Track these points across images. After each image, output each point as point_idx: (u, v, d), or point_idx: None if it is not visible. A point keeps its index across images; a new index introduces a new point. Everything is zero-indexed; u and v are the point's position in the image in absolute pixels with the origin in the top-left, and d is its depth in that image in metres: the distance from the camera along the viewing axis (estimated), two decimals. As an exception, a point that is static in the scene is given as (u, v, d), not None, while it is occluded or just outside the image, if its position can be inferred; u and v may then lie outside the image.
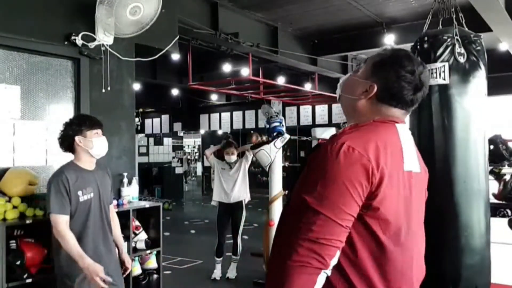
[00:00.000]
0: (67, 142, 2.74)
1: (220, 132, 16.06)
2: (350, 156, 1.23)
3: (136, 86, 7.33)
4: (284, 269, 1.20)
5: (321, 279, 1.21)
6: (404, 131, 1.39)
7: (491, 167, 4.44)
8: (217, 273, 5.57)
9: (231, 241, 5.68)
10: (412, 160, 1.38)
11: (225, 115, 15.61)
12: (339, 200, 1.21)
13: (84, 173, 2.73)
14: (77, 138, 2.70)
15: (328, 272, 1.22)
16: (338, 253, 1.22)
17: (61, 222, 2.59)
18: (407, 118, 1.46)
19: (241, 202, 5.60)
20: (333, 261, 1.21)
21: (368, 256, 1.27)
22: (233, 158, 5.72)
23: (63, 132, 2.75)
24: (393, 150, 1.31)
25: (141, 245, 3.81)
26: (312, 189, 1.23)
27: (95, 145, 2.72)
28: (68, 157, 3.80)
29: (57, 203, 2.59)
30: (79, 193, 2.65)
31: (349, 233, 1.25)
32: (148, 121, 17.53)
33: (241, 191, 5.60)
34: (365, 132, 1.33)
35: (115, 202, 3.73)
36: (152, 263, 4.04)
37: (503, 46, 7.10)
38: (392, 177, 1.27)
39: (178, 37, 4.52)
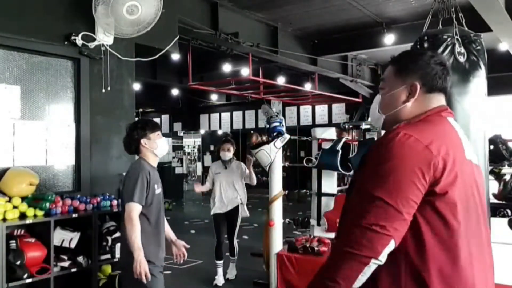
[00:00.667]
0: (134, 145, 2.96)
1: (220, 132, 16.06)
2: (407, 143, 1.24)
3: (136, 86, 7.34)
4: (337, 254, 1.24)
5: (369, 268, 1.20)
6: (455, 123, 1.42)
7: (491, 167, 4.45)
8: (219, 280, 5.42)
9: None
10: (471, 151, 1.40)
11: (225, 115, 15.61)
12: (397, 186, 1.21)
13: (154, 170, 2.97)
14: (142, 141, 2.93)
15: (380, 261, 1.20)
16: (392, 243, 1.20)
17: (138, 211, 2.81)
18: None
19: (237, 206, 5.42)
20: (386, 251, 1.19)
21: (436, 243, 1.24)
22: (228, 155, 5.51)
23: (129, 137, 2.97)
24: (452, 137, 1.34)
25: (141, 245, 3.81)
26: (371, 179, 1.25)
27: (158, 145, 2.96)
28: (65, 158, 3.82)
29: (139, 193, 2.80)
30: (156, 186, 2.91)
31: (416, 222, 1.23)
32: (148, 121, 17.49)
33: (235, 194, 5.40)
34: (420, 124, 1.36)
35: (114, 202, 3.74)
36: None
37: (503, 46, 7.09)
38: (455, 162, 1.27)
39: (178, 37, 4.53)
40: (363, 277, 1.21)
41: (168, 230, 3.18)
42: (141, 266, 2.69)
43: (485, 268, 1.37)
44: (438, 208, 1.24)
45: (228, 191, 5.40)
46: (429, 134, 1.29)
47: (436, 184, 1.23)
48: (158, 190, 2.95)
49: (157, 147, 2.96)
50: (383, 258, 1.20)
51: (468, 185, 1.31)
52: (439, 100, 1.43)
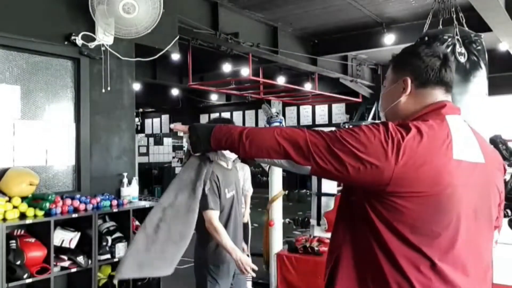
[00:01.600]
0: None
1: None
2: (382, 126, 1.24)
3: (136, 86, 7.33)
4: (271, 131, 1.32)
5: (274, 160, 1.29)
6: (456, 121, 1.33)
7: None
8: None
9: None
10: (467, 150, 1.29)
11: (225, 115, 15.60)
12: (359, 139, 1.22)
13: (226, 172, 2.93)
14: None
15: (281, 162, 1.29)
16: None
17: (216, 218, 2.83)
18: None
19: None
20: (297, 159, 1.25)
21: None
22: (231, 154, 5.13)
23: None
24: (435, 136, 1.25)
25: (141, 245, 3.81)
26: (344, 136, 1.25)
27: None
28: (65, 158, 3.82)
29: (212, 200, 2.81)
30: (226, 190, 2.87)
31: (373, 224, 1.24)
32: (148, 121, 17.54)
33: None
34: (418, 119, 1.32)
35: (114, 202, 3.73)
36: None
37: (503, 46, 7.10)
38: (425, 163, 1.20)
39: (178, 37, 4.52)
40: (267, 162, 1.31)
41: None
42: (244, 262, 2.77)
43: (480, 269, 1.32)
44: (390, 220, 1.23)
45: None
46: (407, 127, 1.26)
47: (389, 179, 1.20)
48: (228, 194, 2.91)
49: None
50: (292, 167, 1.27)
51: (451, 185, 1.23)
52: (435, 94, 1.37)
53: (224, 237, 2.80)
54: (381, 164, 1.19)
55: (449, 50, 2.86)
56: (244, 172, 4.88)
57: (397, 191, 1.21)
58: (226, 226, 2.90)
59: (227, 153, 2.78)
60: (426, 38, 2.95)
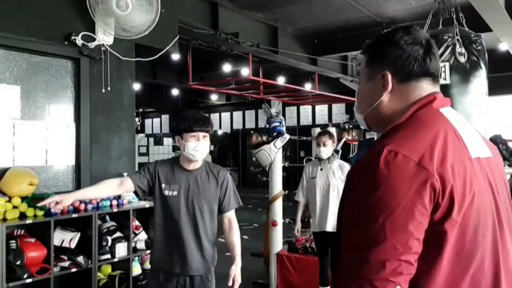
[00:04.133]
0: (173, 138, 2.76)
1: (220, 132, 16.06)
2: (394, 164, 0.99)
3: (136, 86, 7.33)
4: None
5: None
6: (452, 114, 1.15)
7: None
8: None
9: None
10: (477, 145, 1.13)
11: (225, 115, 15.62)
12: (392, 228, 0.96)
13: (179, 171, 2.65)
14: (176, 138, 2.67)
15: None
16: None
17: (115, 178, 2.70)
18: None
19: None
20: None
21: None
22: (325, 151, 4.13)
23: (171, 128, 2.75)
24: (449, 137, 1.06)
25: (141, 245, 3.80)
26: (360, 220, 1.01)
27: (187, 148, 2.59)
28: (65, 158, 3.82)
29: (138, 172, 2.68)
30: (163, 186, 2.63)
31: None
32: (148, 121, 17.54)
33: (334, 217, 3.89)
34: (406, 129, 1.09)
35: (114, 202, 3.73)
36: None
37: (503, 46, 7.10)
38: (455, 172, 1.01)
39: (178, 37, 4.53)
40: None
41: (230, 250, 2.80)
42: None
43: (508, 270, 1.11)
44: (437, 234, 1.01)
45: (322, 201, 4.13)
46: (419, 143, 1.03)
47: (437, 209, 0.99)
48: (166, 192, 2.62)
49: (185, 150, 2.60)
50: None
51: (480, 192, 1.06)
52: (422, 87, 1.15)
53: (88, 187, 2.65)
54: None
55: (449, 50, 2.85)
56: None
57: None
58: (159, 231, 2.65)
59: (185, 155, 2.60)
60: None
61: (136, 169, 4.53)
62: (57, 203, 2.41)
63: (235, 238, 2.77)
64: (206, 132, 2.62)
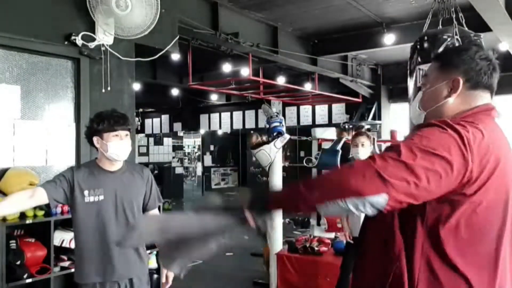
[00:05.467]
0: (88, 140, 2.54)
1: (220, 132, 16.06)
2: (454, 129, 1.19)
3: (136, 86, 7.33)
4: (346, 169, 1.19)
5: (340, 206, 1.11)
6: (503, 125, 1.38)
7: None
8: None
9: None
10: None
11: (225, 115, 15.61)
12: (421, 158, 1.13)
13: (101, 174, 2.51)
14: (95, 139, 2.49)
15: (351, 208, 1.10)
16: (383, 197, 1.09)
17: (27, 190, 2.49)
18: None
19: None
20: (371, 200, 1.09)
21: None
22: (363, 152, 3.83)
23: (86, 129, 2.56)
24: (501, 140, 1.28)
25: (141, 245, 3.81)
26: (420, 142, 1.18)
27: (109, 149, 2.45)
28: (65, 158, 3.82)
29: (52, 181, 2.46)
30: (85, 192, 2.45)
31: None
32: (148, 121, 17.53)
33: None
34: (468, 118, 1.29)
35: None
36: (152, 263, 4.05)
37: (503, 46, 7.09)
38: (498, 166, 1.21)
39: (178, 37, 4.52)
40: (331, 208, 1.13)
41: None
42: None
43: None
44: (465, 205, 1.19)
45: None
46: (475, 129, 1.23)
47: (469, 184, 1.17)
48: (91, 198, 2.44)
49: (107, 150, 2.45)
50: (359, 206, 1.10)
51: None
52: (484, 98, 1.37)
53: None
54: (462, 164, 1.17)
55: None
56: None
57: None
58: (86, 242, 2.46)
59: (108, 156, 2.46)
60: (426, 38, 2.95)
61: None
62: None
63: None
64: (127, 131, 2.50)
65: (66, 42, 3.69)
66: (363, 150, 3.84)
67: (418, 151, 1.13)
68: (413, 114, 1.50)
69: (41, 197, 2.37)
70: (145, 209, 2.65)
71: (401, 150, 1.14)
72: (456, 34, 2.88)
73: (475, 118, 1.29)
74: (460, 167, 1.15)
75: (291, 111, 13.65)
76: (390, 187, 1.09)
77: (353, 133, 5.58)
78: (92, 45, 3.76)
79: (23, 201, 2.39)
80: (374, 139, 5.17)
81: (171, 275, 2.67)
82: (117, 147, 2.45)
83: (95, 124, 2.49)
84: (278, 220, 4.72)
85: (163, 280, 2.68)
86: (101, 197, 2.46)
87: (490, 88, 1.38)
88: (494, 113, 1.36)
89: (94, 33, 3.77)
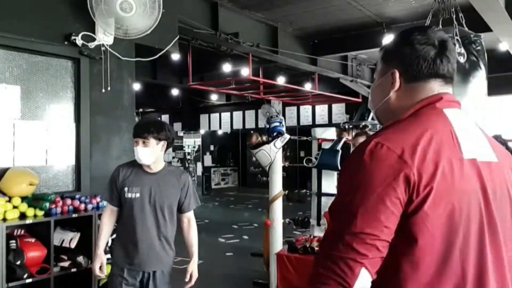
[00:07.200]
0: None
1: (220, 132, 16.06)
2: (377, 155, 1.04)
3: (136, 86, 7.33)
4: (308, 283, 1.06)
5: None
6: (456, 115, 1.15)
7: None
8: None
9: (233, 240, 5.65)
10: (476, 147, 1.13)
11: (225, 115, 15.61)
12: (366, 210, 1.01)
13: (140, 174, 2.82)
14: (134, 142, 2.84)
15: None
16: (364, 272, 1.00)
17: (106, 213, 2.89)
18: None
19: None
20: (359, 279, 1.00)
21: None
22: None
23: None
24: (442, 136, 1.08)
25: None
26: (342, 198, 1.08)
27: (135, 153, 2.80)
28: (65, 158, 3.82)
29: (108, 191, 2.87)
30: (126, 189, 2.79)
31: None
32: (148, 121, 17.49)
33: None
34: (401, 124, 1.13)
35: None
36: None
37: (503, 46, 7.10)
38: (438, 168, 1.03)
39: (178, 37, 4.53)
40: None
41: (189, 251, 2.96)
42: (94, 271, 2.89)
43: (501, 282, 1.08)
44: (409, 226, 1.02)
45: None
46: (405, 138, 1.06)
47: (411, 202, 1.01)
48: (129, 194, 2.78)
49: (135, 154, 2.81)
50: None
51: (465, 192, 1.06)
52: (430, 88, 1.16)
53: (99, 236, 2.88)
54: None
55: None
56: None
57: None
58: (122, 231, 2.85)
59: (135, 157, 2.77)
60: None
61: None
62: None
63: (193, 236, 2.97)
64: (145, 139, 2.74)
65: (66, 42, 3.70)
66: None
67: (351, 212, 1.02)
68: (373, 114, 1.34)
69: (114, 215, 2.89)
70: (180, 211, 2.92)
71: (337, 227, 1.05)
72: (456, 34, 2.88)
73: (416, 115, 1.14)
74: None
75: (291, 111, 13.65)
76: (363, 260, 1.00)
77: (353, 133, 5.59)
78: (92, 45, 3.76)
79: (113, 223, 2.91)
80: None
81: (195, 275, 2.92)
82: (136, 152, 2.77)
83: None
84: (278, 220, 4.72)
85: (187, 279, 2.92)
86: (137, 195, 2.76)
87: (439, 75, 1.16)
88: (442, 103, 1.15)
89: (94, 33, 3.77)
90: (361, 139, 3.99)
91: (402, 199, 1.01)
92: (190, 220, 2.96)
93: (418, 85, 1.17)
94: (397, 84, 1.18)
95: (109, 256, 3.57)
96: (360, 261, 0.99)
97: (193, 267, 2.91)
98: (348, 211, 1.03)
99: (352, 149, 4.13)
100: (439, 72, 1.17)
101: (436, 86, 1.17)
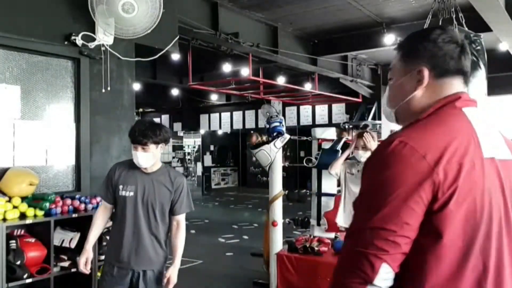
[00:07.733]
0: None
1: (220, 132, 16.06)
2: (401, 154, 1.05)
3: (136, 86, 7.33)
4: (335, 275, 1.10)
5: None
6: (474, 114, 1.17)
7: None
8: None
9: (233, 240, 5.65)
10: (494, 146, 1.16)
11: (225, 115, 15.60)
12: (390, 208, 1.03)
13: (136, 173, 2.84)
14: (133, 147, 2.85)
15: (378, 286, 1.04)
16: (386, 266, 1.03)
17: (100, 208, 2.97)
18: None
19: None
20: (380, 274, 1.03)
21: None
22: (364, 154, 3.96)
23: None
24: (463, 135, 1.10)
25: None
26: (366, 196, 1.10)
27: (134, 157, 2.81)
28: (65, 158, 3.82)
29: (103, 189, 2.94)
30: (120, 187, 2.83)
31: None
32: (148, 121, 17.49)
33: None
34: (423, 123, 1.15)
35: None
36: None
37: (503, 46, 7.10)
38: (463, 168, 1.05)
39: (178, 37, 4.53)
40: None
41: (173, 252, 2.96)
42: (79, 265, 2.90)
43: None
44: (434, 223, 1.05)
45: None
46: (429, 139, 1.08)
47: (435, 200, 1.04)
48: (123, 192, 2.81)
49: (133, 157, 2.82)
50: (379, 282, 1.04)
51: (487, 190, 1.08)
52: (453, 85, 1.20)
53: (90, 231, 2.90)
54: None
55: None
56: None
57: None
58: (115, 229, 2.92)
59: (136, 159, 2.77)
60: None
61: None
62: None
63: (180, 240, 2.95)
64: (144, 145, 2.74)
65: (66, 42, 3.70)
66: (365, 154, 3.93)
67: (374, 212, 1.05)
68: (385, 113, 1.36)
69: (107, 212, 2.96)
70: (171, 212, 2.91)
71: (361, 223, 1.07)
72: (456, 34, 2.88)
73: (437, 114, 1.16)
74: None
75: (291, 111, 13.64)
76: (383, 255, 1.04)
77: (354, 133, 5.58)
78: (92, 45, 3.76)
79: (105, 220, 2.98)
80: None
81: (173, 281, 2.88)
82: (135, 156, 2.79)
83: (129, 131, 2.87)
84: (278, 220, 4.72)
85: (164, 282, 2.88)
86: (131, 193, 2.80)
87: (461, 73, 1.21)
88: (461, 102, 1.18)
89: (94, 33, 3.77)
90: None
91: (425, 198, 1.03)
92: (179, 223, 2.94)
93: (444, 82, 1.20)
94: (426, 81, 1.20)
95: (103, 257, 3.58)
96: (381, 257, 1.03)
97: (172, 272, 2.86)
98: (370, 208, 1.06)
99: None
100: (464, 69, 1.21)
101: (460, 83, 1.22)
